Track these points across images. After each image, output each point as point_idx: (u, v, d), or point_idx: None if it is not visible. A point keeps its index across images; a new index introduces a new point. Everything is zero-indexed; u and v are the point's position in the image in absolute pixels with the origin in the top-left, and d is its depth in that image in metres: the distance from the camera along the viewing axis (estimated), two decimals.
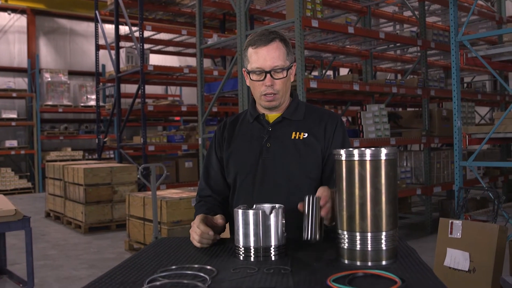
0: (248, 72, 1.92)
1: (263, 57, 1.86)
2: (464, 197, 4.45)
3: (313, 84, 5.38)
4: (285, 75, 1.89)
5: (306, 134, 1.93)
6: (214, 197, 2.03)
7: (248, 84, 1.99)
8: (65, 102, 13.29)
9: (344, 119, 10.15)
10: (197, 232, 1.72)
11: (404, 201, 8.00)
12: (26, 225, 4.00)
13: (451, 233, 3.76)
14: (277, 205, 1.58)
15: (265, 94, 1.90)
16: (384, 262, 1.43)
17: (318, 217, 1.50)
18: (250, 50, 1.90)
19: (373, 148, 1.44)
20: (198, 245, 1.72)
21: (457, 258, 3.69)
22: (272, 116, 1.99)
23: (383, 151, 1.44)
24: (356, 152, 1.44)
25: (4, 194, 8.62)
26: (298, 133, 1.94)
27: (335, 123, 1.97)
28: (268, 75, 1.87)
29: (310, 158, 1.91)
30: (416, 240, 6.18)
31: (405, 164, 7.12)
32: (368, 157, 1.43)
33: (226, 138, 2.03)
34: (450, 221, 3.79)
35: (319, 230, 1.50)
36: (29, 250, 4.01)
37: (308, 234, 1.49)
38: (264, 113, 1.99)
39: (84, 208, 7.19)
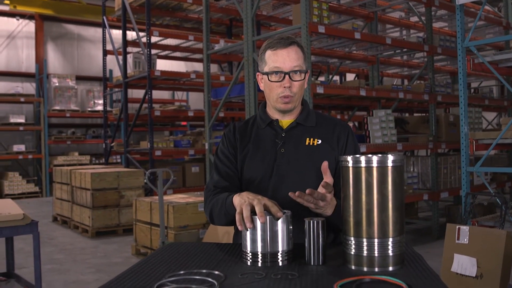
0: (266, 74, 1.92)
1: (282, 58, 1.88)
2: (471, 203, 4.44)
3: (320, 90, 5.39)
4: (302, 77, 1.91)
5: (320, 141, 1.94)
6: (232, 189, 1.94)
7: (262, 88, 1.99)
8: (73, 107, 13.36)
9: (350, 124, 10.14)
10: (259, 200, 1.60)
11: (411, 207, 7.97)
12: (34, 229, 4.01)
13: (458, 238, 3.75)
14: (284, 211, 1.59)
15: (282, 96, 1.90)
16: (391, 268, 1.44)
17: (320, 241, 1.53)
18: (269, 52, 1.92)
19: (380, 155, 1.45)
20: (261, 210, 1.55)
21: (464, 264, 3.68)
22: (285, 121, 1.99)
23: (390, 158, 1.45)
24: (363, 158, 1.45)
25: (12, 198, 8.72)
26: (312, 139, 1.95)
27: (346, 132, 1.99)
28: (287, 76, 1.88)
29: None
30: (423, 246, 6.16)
31: (412, 170, 7.11)
32: (375, 164, 1.44)
33: (239, 139, 2.01)
34: (457, 226, 3.78)
35: (322, 253, 1.53)
36: (36, 254, 4.01)
37: (310, 258, 1.54)
38: (277, 119, 1.99)
39: (91, 212, 7.22)
